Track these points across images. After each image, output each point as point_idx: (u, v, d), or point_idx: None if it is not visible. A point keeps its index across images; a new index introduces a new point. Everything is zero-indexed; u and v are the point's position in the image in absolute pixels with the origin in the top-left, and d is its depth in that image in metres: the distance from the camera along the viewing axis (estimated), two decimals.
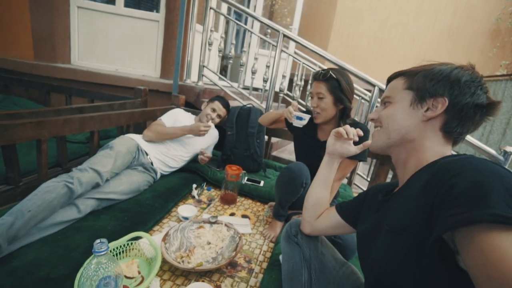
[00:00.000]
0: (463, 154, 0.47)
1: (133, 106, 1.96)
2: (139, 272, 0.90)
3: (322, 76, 1.17)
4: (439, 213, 0.38)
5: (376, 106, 1.95)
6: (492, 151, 1.64)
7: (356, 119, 2.14)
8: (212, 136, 1.86)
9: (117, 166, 1.25)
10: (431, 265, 0.40)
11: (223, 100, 1.80)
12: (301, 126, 1.26)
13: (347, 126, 0.77)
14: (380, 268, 0.50)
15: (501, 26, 3.97)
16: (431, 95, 0.53)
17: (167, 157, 1.58)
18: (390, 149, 0.61)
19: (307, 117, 1.24)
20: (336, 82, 1.15)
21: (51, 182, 1.00)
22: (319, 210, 0.82)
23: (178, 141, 1.63)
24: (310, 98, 1.25)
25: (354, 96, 2.83)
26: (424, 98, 0.54)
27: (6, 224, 0.81)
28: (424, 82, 0.54)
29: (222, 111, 1.76)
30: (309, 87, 2.66)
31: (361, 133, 0.76)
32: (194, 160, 1.79)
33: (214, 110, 1.74)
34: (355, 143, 0.79)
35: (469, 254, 0.34)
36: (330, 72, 1.15)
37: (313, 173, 1.24)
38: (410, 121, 0.56)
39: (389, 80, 0.65)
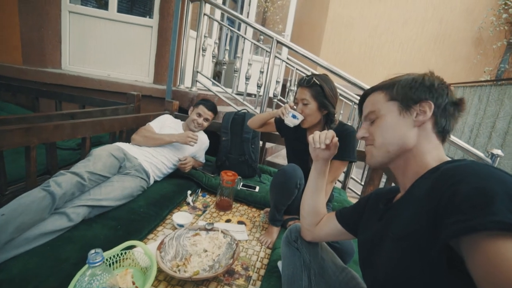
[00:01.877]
0: (463, 159, 0.48)
1: (125, 112, 1.93)
2: (133, 283, 0.86)
3: (306, 83, 1.19)
4: (443, 220, 0.38)
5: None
6: (480, 153, 1.69)
7: (349, 123, 2.18)
8: (201, 141, 1.84)
9: (99, 168, 1.20)
10: (439, 272, 0.39)
11: (208, 102, 1.79)
12: (292, 126, 1.27)
13: (316, 133, 0.76)
14: (386, 276, 0.49)
15: (483, 35, 4.15)
16: (415, 101, 0.56)
17: (157, 160, 1.55)
18: (391, 162, 0.60)
19: (300, 117, 1.25)
20: (319, 88, 1.17)
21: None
22: (316, 217, 0.82)
23: (166, 146, 1.62)
24: (295, 103, 1.28)
25: (347, 101, 2.87)
26: (410, 105, 0.56)
27: None
28: (405, 91, 0.57)
29: (208, 114, 1.75)
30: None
31: (330, 135, 0.74)
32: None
33: (199, 115, 1.74)
34: (341, 144, 0.79)
35: (474, 262, 0.34)
36: (314, 78, 1.18)
37: (305, 175, 1.25)
38: (404, 129, 0.56)
39: (364, 96, 0.66)
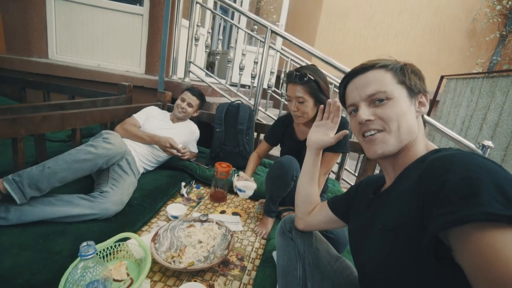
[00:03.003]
0: (449, 148, 0.47)
1: (117, 103, 1.88)
2: (128, 274, 0.86)
3: (299, 79, 1.10)
4: (431, 211, 0.38)
5: None
6: (472, 144, 1.73)
7: (343, 115, 2.17)
8: (191, 131, 1.81)
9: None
10: (427, 263, 0.39)
11: (194, 90, 1.79)
12: (247, 197, 1.28)
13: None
14: (374, 266, 0.50)
15: (476, 27, 4.17)
16: (419, 91, 0.55)
17: (142, 150, 1.50)
18: (397, 154, 0.55)
19: (250, 190, 1.24)
20: (314, 84, 1.11)
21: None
22: (309, 205, 0.82)
23: (152, 133, 1.57)
24: (287, 101, 1.20)
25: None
26: (415, 94, 0.55)
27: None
28: (415, 79, 0.55)
29: (191, 99, 1.74)
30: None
31: (336, 100, 0.73)
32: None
33: (183, 100, 1.74)
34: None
35: (463, 253, 0.34)
36: (308, 73, 1.10)
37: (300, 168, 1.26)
38: (414, 117, 0.55)
39: (364, 69, 0.57)
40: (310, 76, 1.09)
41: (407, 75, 0.55)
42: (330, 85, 2.89)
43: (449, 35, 4.26)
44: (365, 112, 0.55)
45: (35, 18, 2.38)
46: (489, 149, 1.68)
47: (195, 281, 0.90)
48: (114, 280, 0.82)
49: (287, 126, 1.30)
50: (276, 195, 1.23)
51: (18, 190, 0.91)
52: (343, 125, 1.17)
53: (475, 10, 4.08)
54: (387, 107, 0.53)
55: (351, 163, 2.88)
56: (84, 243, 0.55)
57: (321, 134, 0.79)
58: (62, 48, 2.57)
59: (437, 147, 0.54)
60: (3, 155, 1.35)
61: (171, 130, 1.68)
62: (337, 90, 0.69)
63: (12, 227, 0.92)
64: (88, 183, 1.27)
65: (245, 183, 1.28)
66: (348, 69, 1.93)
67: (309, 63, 3.15)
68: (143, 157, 1.51)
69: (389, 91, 0.54)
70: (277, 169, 1.19)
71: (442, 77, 3.76)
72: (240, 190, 1.26)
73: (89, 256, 0.55)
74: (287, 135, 1.33)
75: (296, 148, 1.28)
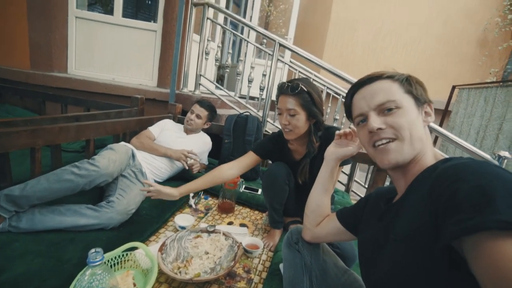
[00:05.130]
0: (460, 157, 0.47)
1: (129, 115, 1.95)
2: (134, 285, 0.86)
3: (291, 90, 1.02)
4: (444, 220, 0.37)
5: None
6: (487, 155, 1.67)
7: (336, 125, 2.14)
8: (204, 142, 1.86)
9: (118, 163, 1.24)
10: (440, 273, 0.38)
11: (203, 102, 1.84)
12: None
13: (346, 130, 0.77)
14: (388, 278, 0.49)
15: (488, 36, 4.10)
16: (425, 101, 0.56)
17: (155, 161, 1.55)
18: (408, 164, 0.54)
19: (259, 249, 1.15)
20: (307, 96, 1.02)
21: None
22: (319, 216, 0.81)
23: (166, 145, 1.63)
24: (278, 114, 1.11)
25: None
26: (421, 104, 0.56)
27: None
28: (420, 89, 0.56)
29: (200, 110, 1.78)
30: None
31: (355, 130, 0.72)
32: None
33: (192, 112, 1.79)
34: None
35: (476, 262, 0.33)
36: (300, 84, 1.02)
37: (296, 188, 1.23)
38: (422, 126, 0.55)
39: (371, 80, 0.58)
40: (302, 87, 1.02)
41: (413, 85, 0.56)
42: (338, 96, 2.89)
43: (460, 45, 4.21)
44: (376, 121, 0.55)
45: (57, 35, 2.54)
46: (506, 160, 1.61)
47: None
48: None
49: (282, 147, 1.23)
50: (276, 203, 1.22)
51: None
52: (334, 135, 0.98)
53: (486, 20, 4.04)
54: (397, 115, 0.53)
55: (361, 175, 2.82)
56: (93, 250, 0.56)
57: (340, 146, 0.80)
58: (81, 63, 2.72)
59: (447, 156, 0.53)
60: (22, 165, 1.41)
61: (185, 140, 1.73)
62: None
63: (25, 234, 0.96)
64: (101, 192, 1.30)
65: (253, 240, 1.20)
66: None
67: (319, 75, 3.20)
68: (156, 169, 1.55)
69: (398, 100, 0.54)
70: (269, 176, 1.19)
71: (453, 87, 3.69)
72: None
73: (97, 263, 0.56)
74: (284, 156, 1.25)
75: (294, 169, 1.22)
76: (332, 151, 0.80)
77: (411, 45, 4.32)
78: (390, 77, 0.57)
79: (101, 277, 0.57)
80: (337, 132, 0.80)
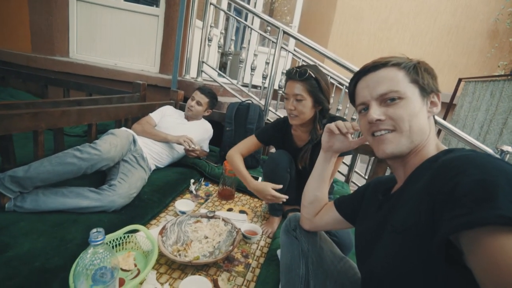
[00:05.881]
0: (462, 149, 0.46)
1: (131, 101, 1.94)
2: (135, 265, 0.89)
3: (299, 75, 1.04)
4: (443, 214, 0.37)
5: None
6: (490, 150, 1.66)
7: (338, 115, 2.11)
8: (205, 129, 1.86)
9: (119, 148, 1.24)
10: (436, 266, 0.38)
11: (203, 88, 1.84)
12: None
13: (339, 122, 0.73)
14: (384, 268, 0.49)
15: (499, 27, 3.99)
16: (432, 90, 0.54)
17: (156, 147, 1.56)
18: (408, 154, 0.54)
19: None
20: (315, 82, 1.04)
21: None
22: (317, 207, 0.81)
23: (167, 131, 1.64)
24: (285, 99, 1.13)
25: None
26: (427, 94, 0.54)
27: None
28: (428, 78, 0.53)
29: (200, 97, 1.79)
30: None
31: (357, 127, 0.69)
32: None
33: (193, 99, 1.79)
34: None
35: (475, 257, 0.33)
36: (309, 70, 1.04)
37: (297, 176, 1.24)
38: (425, 118, 0.53)
39: (376, 67, 0.56)
40: (310, 73, 1.04)
41: (420, 74, 0.53)
42: (341, 87, 2.85)
43: (469, 37, 4.11)
44: (376, 112, 0.54)
45: (58, 19, 2.50)
46: (508, 155, 1.60)
47: (199, 275, 0.92)
48: (122, 269, 0.86)
49: (285, 133, 1.25)
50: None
51: (3, 186, 0.97)
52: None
53: (498, 10, 3.91)
54: (399, 107, 0.52)
55: (362, 166, 2.83)
56: (94, 230, 0.58)
57: (335, 141, 0.76)
58: (82, 48, 2.69)
59: (446, 147, 0.53)
60: (25, 148, 1.42)
61: (186, 126, 1.73)
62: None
63: (30, 214, 0.99)
64: (103, 177, 1.32)
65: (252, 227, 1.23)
66: None
67: (323, 64, 3.15)
68: (156, 154, 1.56)
69: (401, 90, 0.52)
70: (270, 163, 1.20)
71: (460, 80, 3.63)
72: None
73: (99, 242, 0.57)
74: (286, 142, 1.28)
75: (293, 154, 1.25)
76: (330, 145, 0.77)
77: (418, 35, 4.22)
78: (396, 64, 0.54)
79: (102, 255, 0.58)
80: (328, 125, 0.76)
